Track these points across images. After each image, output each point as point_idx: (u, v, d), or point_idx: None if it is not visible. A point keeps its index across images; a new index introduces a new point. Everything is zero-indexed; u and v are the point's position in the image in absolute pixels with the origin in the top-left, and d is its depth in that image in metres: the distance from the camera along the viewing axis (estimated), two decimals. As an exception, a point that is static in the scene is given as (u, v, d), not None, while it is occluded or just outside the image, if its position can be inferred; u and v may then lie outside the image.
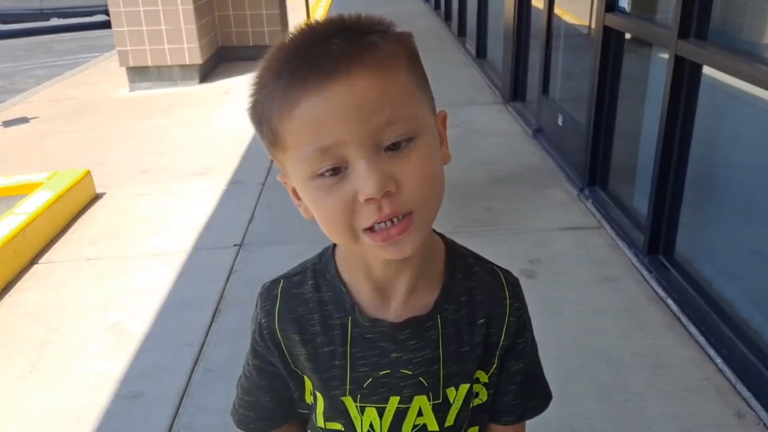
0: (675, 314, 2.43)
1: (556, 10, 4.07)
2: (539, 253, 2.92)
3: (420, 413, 0.81)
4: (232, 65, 6.79)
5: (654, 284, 2.61)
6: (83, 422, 2.07)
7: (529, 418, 0.89)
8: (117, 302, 2.73)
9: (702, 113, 2.45)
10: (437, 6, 10.08)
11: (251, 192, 3.74)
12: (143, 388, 2.21)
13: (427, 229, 0.71)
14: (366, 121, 0.63)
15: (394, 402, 0.80)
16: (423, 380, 0.79)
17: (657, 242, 2.69)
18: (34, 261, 3.08)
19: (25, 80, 7.84)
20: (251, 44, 6.98)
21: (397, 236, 0.66)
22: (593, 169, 3.39)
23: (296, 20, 8.08)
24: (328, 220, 0.68)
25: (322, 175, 0.65)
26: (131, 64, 6.21)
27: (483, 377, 0.84)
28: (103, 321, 2.60)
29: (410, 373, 0.79)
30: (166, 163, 4.28)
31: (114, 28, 6.12)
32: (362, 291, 0.79)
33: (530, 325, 0.86)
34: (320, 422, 0.84)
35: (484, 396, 0.85)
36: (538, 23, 4.37)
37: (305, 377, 0.83)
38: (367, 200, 0.64)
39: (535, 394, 0.88)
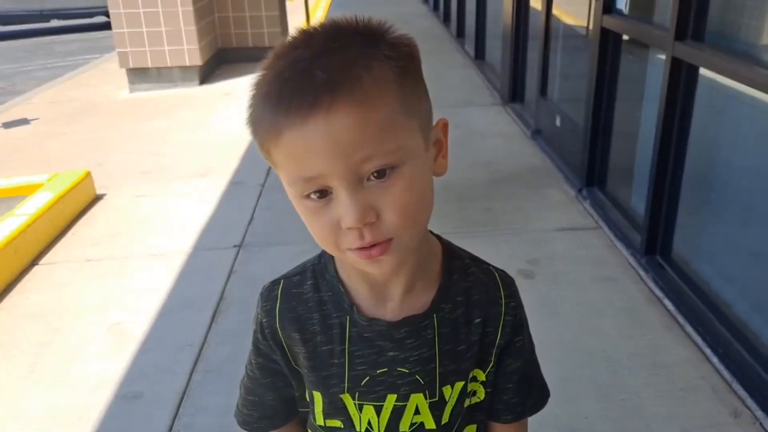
0: (672, 314, 2.45)
1: (555, 12, 4.08)
2: (538, 253, 2.93)
3: (417, 411, 0.82)
4: (232, 67, 6.80)
5: (651, 284, 2.62)
6: (83, 422, 2.08)
7: (529, 415, 0.90)
8: (117, 303, 2.74)
9: (699, 114, 2.46)
10: (436, 7, 10.08)
11: (251, 193, 3.75)
12: (143, 388, 2.22)
13: (408, 249, 0.72)
14: (345, 157, 0.64)
15: (391, 400, 0.81)
16: (419, 378, 0.80)
17: (654, 243, 2.70)
18: (34, 262, 3.09)
19: (26, 82, 7.85)
20: (251, 46, 7.00)
21: (377, 255, 0.69)
22: (591, 170, 3.41)
23: (296, 22, 8.11)
24: (316, 236, 0.72)
25: (309, 197, 0.68)
26: (131, 66, 6.21)
27: (480, 376, 0.84)
28: (103, 321, 2.61)
29: (407, 371, 0.80)
30: (166, 164, 4.29)
31: (114, 30, 6.13)
32: (360, 291, 0.80)
33: (527, 324, 0.87)
34: (320, 420, 0.85)
35: (481, 395, 0.86)
36: (536, 25, 4.38)
37: (304, 376, 0.85)
38: (349, 228, 0.67)
39: (533, 392, 0.89)
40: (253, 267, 2.95)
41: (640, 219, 2.82)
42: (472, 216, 3.31)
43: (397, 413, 0.82)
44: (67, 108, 5.80)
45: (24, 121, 5.40)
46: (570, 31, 4.13)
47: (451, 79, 6.11)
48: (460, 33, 7.79)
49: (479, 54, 6.64)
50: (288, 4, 7.63)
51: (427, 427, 0.83)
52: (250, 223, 3.38)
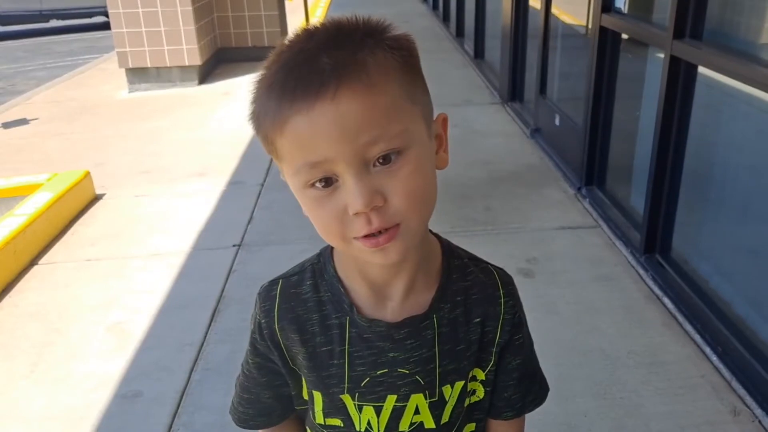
0: (671, 312, 2.45)
1: (553, 11, 4.08)
2: (537, 252, 2.93)
3: (417, 411, 0.82)
4: (231, 66, 6.80)
5: (650, 283, 2.62)
6: (84, 421, 2.09)
7: (529, 411, 0.91)
8: (117, 302, 2.74)
9: (697, 113, 2.46)
10: (435, 6, 10.08)
11: (250, 192, 3.75)
12: (143, 387, 2.23)
13: (416, 237, 0.72)
14: (351, 140, 0.64)
15: (391, 401, 0.81)
16: (419, 379, 0.80)
17: (653, 241, 2.71)
18: (34, 262, 3.09)
19: (25, 82, 7.85)
20: (250, 45, 6.99)
21: (384, 243, 0.68)
22: (590, 169, 3.41)
23: (295, 21, 8.10)
24: (321, 227, 0.71)
25: (314, 185, 0.68)
26: (130, 66, 6.21)
27: (480, 375, 0.85)
28: (103, 321, 2.61)
29: (407, 372, 0.80)
30: (165, 164, 4.29)
31: (113, 30, 6.12)
32: (360, 291, 0.80)
33: (526, 322, 0.87)
34: (319, 419, 0.85)
35: (481, 393, 0.86)
36: (535, 24, 4.38)
37: (302, 375, 0.84)
38: (356, 214, 0.66)
39: (533, 389, 0.89)
40: (253, 266, 2.95)
41: (639, 217, 2.82)
42: (472, 215, 3.32)
43: (397, 413, 0.82)
44: (67, 108, 5.80)
45: (23, 121, 5.40)
46: (569, 30, 4.14)
47: (450, 78, 6.11)
48: (460, 32, 7.79)
49: (478, 53, 6.65)
50: (287, 3, 7.63)
51: (426, 426, 0.83)
52: (249, 222, 3.39)
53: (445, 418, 0.83)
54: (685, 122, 2.49)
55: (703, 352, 2.23)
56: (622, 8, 3.07)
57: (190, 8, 6.07)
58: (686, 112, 2.48)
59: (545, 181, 3.72)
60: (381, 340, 0.79)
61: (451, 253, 0.84)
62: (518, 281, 0.87)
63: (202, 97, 5.97)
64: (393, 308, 0.79)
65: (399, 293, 0.79)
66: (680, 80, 2.45)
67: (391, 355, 0.80)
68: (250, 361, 0.87)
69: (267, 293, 0.83)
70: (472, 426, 0.88)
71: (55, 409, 2.16)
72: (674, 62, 2.44)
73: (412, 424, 0.82)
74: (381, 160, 0.66)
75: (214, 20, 6.96)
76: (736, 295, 2.30)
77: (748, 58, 2.19)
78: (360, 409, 0.82)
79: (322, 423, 0.85)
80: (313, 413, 0.86)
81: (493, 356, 0.84)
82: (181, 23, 6.11)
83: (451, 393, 0.82)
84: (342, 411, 0.83)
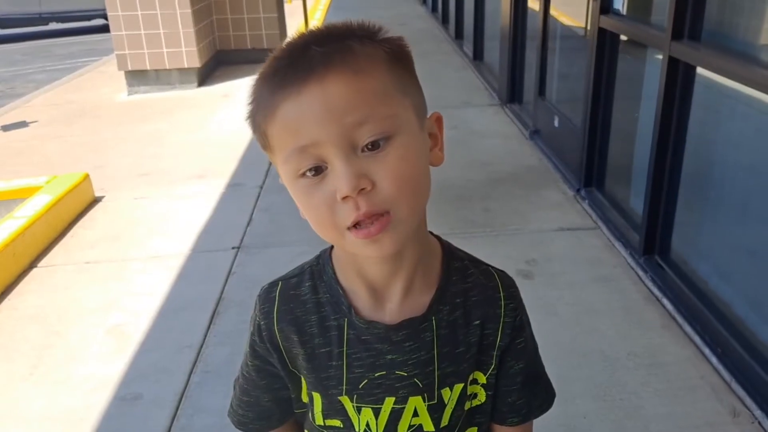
0: (671, 314, 2.45)
1: (552, 13, 4.09)
2: (536, 253, 2.93)
3: (415, 413, 0.81)
4: (230, 69, 6.81)
5: (650, 284, 2.62)
6: (83, 423, 2.09)
7: (535, 417, 0.89)
8: (116, 305, 2.74)
9: (696, 114, 2.47)
10: (434, 8, 10.09)
11: (249, 195, 3.75)
12: (142, 389, 2.23)
13: (408, 228, 0.71)
14: (338, 121, 0.65)
15: (389, 403, 0.81)
16: (418, 381, 0.80)
17: (652, 242, 2.71)
18: (33, 264, 3.09)
19: (25, 84, 7.85)
20: (249, 48, 7.00)
21: (376, 234, 0.68)
22: (589, 170, 3.41)
23: (294, 24, 8.12)
24: (314, 218, 0.71)
25: (304, 174, 0.68)
26: (130, 68, 6.22)
27: (481, 378, 0.84)
28: (102, 323, 2.61)
29: (405, 374, 0.80)
30: (164, 166, 4.29)
31: (112, 32, 6.13)
32: (358, 293, 0.80)
33: (529, 325, 0.86)
34: (319, 420, 0.85)
35: (482, 397, 0.85)
36: (534, 25, 4.39)
37: (302, 377, 0.84)
38: (344, 198, 0.66)
39: (538, 393, 0.88)
40: (252, 268, 2.95)
41: (639, 219, 2.82)
42: (470, 216, 3.31)
43: (396, 415, 0.81)
44: (66, 110, 5.80)
45: (23, 124, 5.40)
46: (568, 32, 4.14)
47: (449, 79, 6.12)
48: (459, 34, 7.80)
49: (477, 55, 6.65)
50: (286, 6, 7.64)
51: (425, 429, 0.82)
52: (248, 224, 3.39)
53: (445, 421, 0.83)
54: (684, 123, 2.49)
55: (703, 354, 2.23)
56: (621, 10, 3.08)
57: (189, 11, 6.07)
58: (685, 113, 2.48)
59: (544, 183, 3.72)
60: (379, 342, 0.79)
61: (451, 254, 0.84)
62: (517, 283, 0.86)
63: (202, 100, 5.97)
64: (391, 310, 0.79)
65: (397, 294, 0.79)
66: (679, 81, 2.45)
67: (389, 357, 0.79)
68: (249, 363, 0.87)
69: (266, 295, 0.83)
70: (473, 430, 0.87)
71: (54, 410, 2.16)
72: (673, 63, 2.44)
73: (410, 426, 0.82)
74: (369, 146, 0.66)
75: (213, 23, 6.96)
76: (736, 296, 2.30)
77: (746, 59, 2.20)
78: (358, 410, 0.82)
79: (322, 424, 0.85)
80: (313, 414, 0.85)
81: (494, 359, 0.83)
82: (180, 26, 6.12)
83: (450, 396, 0.82)
84: (341, 412, 0.83)
